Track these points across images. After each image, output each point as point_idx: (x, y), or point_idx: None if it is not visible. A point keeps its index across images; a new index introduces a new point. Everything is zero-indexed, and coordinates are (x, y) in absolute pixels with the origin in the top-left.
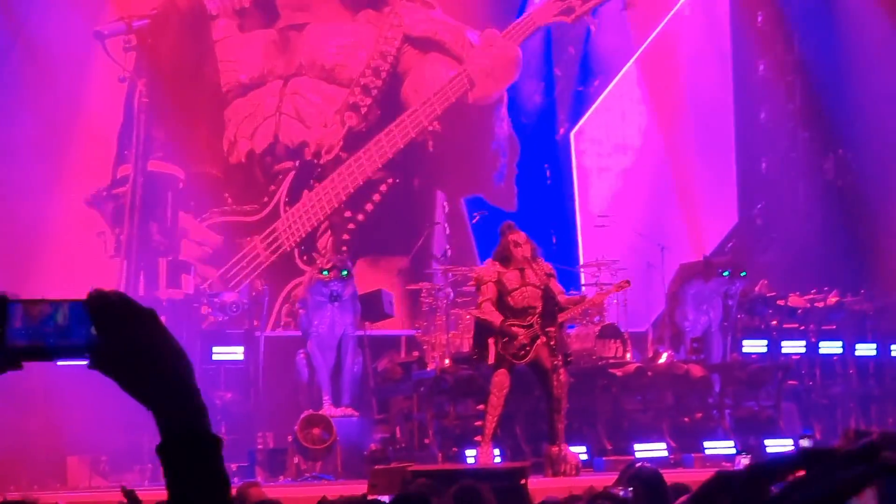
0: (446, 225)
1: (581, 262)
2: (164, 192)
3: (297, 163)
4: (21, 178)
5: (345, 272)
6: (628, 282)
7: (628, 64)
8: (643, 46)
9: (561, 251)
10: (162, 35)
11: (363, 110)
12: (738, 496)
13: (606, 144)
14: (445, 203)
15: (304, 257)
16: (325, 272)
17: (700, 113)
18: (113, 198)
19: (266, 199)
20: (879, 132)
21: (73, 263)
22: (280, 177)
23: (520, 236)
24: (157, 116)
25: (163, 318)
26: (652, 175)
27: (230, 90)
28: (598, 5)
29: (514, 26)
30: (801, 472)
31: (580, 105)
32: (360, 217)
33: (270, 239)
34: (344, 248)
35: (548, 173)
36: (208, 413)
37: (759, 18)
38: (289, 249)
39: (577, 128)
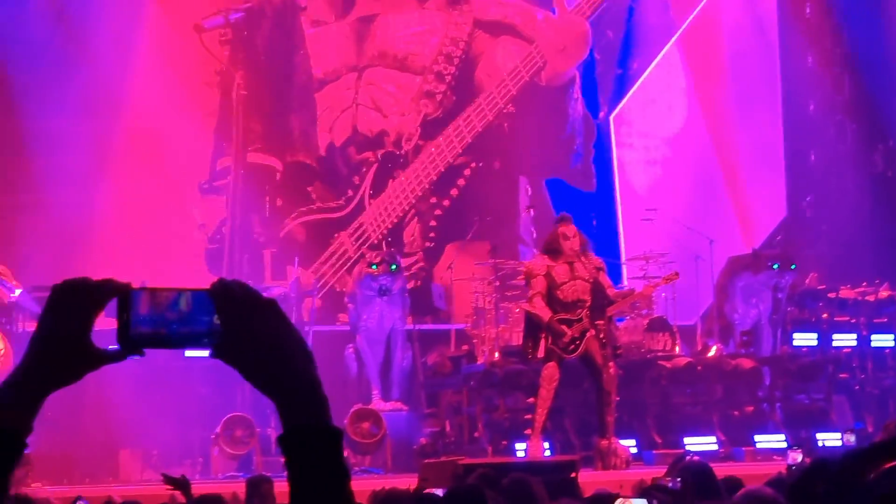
0: (531, 210)
1: (622, 247)
2: (263, 183)
3: (380, 154)
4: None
5: (394, 266)
6: (677, 274)
7: (668, 45)
8: (683, 27)
9: (601, 235)
10: (256, 27)
11: (438, 97)
12: (835, 482)
13: (647, 130)
14: (528, 186)
15: (392, 249)
16: (374, 266)
17: (746, 103)
18: (214, 190)
19: (351, 192)
20: None
21: (175, 257)
22: (363, 169)
23: (570, 229)
24: (254, 108)
25: None
26: (696, 165)
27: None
28: None
29: (582, 1)
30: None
31: (620, 88)
32: (446, 202)
33: (358, 233)
34: (432, 235)
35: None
36: (328, 405)
37: (808, 10)
38: (376, 242)
39: (616, 111)
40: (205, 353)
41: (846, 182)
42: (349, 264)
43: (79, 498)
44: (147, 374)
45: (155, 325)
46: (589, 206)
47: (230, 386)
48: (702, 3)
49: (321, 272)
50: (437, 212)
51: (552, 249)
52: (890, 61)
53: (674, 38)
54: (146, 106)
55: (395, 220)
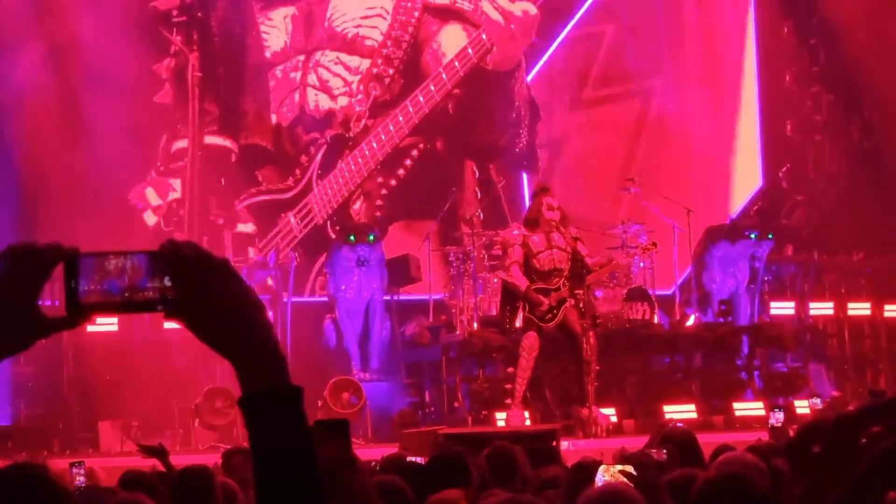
0: (478, 190)
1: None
2: (220, 164)
3: (328, 135)
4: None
5: (371, 237)
6: (655, 244)
7: None
8: None
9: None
10: (210, 8)
11: (387, 80)
12: (829, 444)
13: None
14: (476, 168)
15: (337, 227)
16: (352, 237)
17: (721, 74)
18: (169, 172)
19: (298, 172)
20: None
21: (124, 239)
22: (311, 149)
23: (553, 200)
24: (209, 90)
25: None
26: (674, 137)
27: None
28: None
29: None
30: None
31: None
32: (393, 182)
33: (304, 212)
34: (378, 214)
35: None
36: (287, 364)
37: None
38: (321, 222)
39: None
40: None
41: (822, 152)
42: (294, 243)
43: (79, 463)
44: (126, 346)
45: (104, 290)
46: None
47: (210, 357)
48: None
49: (266, 250)
50: (384, 191)
51: (531, 219)
52: (866, 32)
53: None
54: (100, 85)
55: (341, 201)
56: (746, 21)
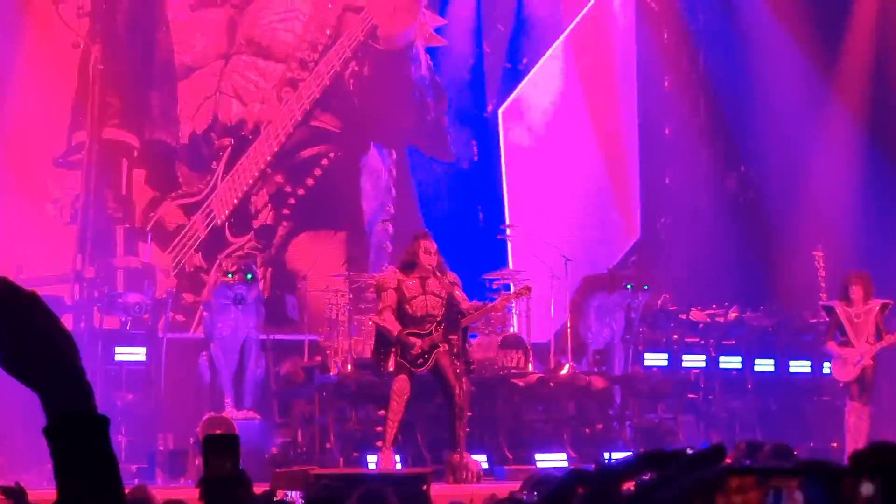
0: (393, 188)
1: (509, 248)
2: (119, 159)
3: (233, 140)
4: None
5: (249, 276)
6: (529, 288)
7: (556, 43)
8: (570, 26)
9: (488, 227)
10: (116, 1)
11: (300, 85)
12: (591, 496)
13: (531, 127)
14: (393, 168)
15: (234, 228)
16: (230, 275)
17: (608, 121)
18: (68, 165)
19: (209, 177)
20: (781, 149)
21: (26, 231)
22: (220, 154)
23: (431, 245)
24: (112, 84)
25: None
26: (560, 179)
27: (178, 71)
28: None
29: None
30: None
31: (509, 83)
32: (301, 191)
33: (206, 213)
34: (284, 223)
35: (475, 150)
36: (93, 393)
37: (665, 35)
38: (220, 223)
39: (505, 106)
40: None
41: (701, 205)
42: (198, 243)
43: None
44: None
45: None
46: (475, 200)
47: None
48: (587, 6)
49: (175, 254)
50: (292, 200)
51: (408, 262)
52: (744, 87)
53: (561, 38)
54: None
55: (240, 197)
56: (629, 74)
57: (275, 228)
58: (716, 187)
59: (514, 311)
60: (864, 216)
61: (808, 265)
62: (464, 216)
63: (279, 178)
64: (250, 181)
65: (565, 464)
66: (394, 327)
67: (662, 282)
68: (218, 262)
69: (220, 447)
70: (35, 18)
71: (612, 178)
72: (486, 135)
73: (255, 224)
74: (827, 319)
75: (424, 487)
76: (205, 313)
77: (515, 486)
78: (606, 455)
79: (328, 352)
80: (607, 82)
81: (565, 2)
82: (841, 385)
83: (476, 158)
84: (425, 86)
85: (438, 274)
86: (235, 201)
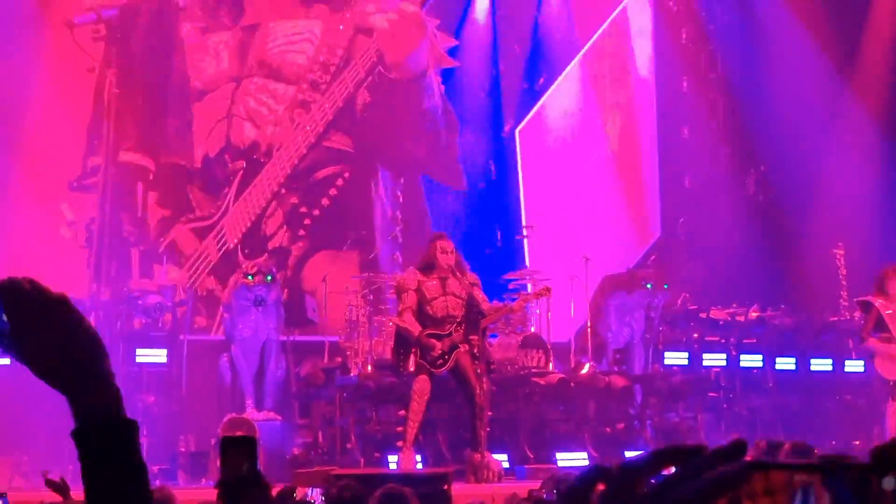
0: (400, 217)
1: (527, 260)
2: (135, 182)
3: (245, 163)
4: None
5: (269, 277)
6: (548, 289)
7: (572, 63)
8: (587, 46)
9: (506, 249)
10: (131, 26)
11: (312, 107)
12: (611, 492)
13: (550, 145)
14: (400, 193)
15: (246, 251)
16: (250, 276)
17: (626, 123)
18: (84, 188)
19: (220, 202)
20: (800, 148)
21: (41, 254)
22: (232, 178)
23: (448, 244)
24: (127, 108)
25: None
26: (579, 183)
27: (190, 94)
28: None
29: None
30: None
31: (526, 103)
32: (317, 212)
33: (219, 237)
34: (300, 244)
35: (493, 168)
36: (122, 397)
37: (683, 35)
38: (232, 246)
39: (522, 126)
40: None
41: (719, 205)
42: (210, 267)
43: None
44: (15, 379)
45: None
46: (493, 219)
47: None
48: (605, 24)
49: (190, 275)
50: (307, 221)
51: (427, 264)
52: (762, 87)
53: (577, 58)
54: (16, 100)
55: (252, 220)
56: (649, 76)
57: (289, 250)
58: (735, 186)
59: (535, 310)
60: (884, 213)
61: (828, 263)
62: (481, 236)
63: (294, 200)
64: (263, 204)
65: (586, 463)
66: (414, 328)
67: (682, 281)
68: (238, 264)
69: (237, 448)
70: (51, 43)
71: (631, 178)
72: (503, 155)
73: (270, 246)
74: (860, 315)
75: (445, 487)
76: (225, 315)
77: (536, 485)
78: (627, 454)
79: (348, 353)
80: (625, 90)
81: (581, 20)
82: (890, 384)
83: (494, 177)
84: (437, 115)
85: (458, 274)
86: (248, 224)
